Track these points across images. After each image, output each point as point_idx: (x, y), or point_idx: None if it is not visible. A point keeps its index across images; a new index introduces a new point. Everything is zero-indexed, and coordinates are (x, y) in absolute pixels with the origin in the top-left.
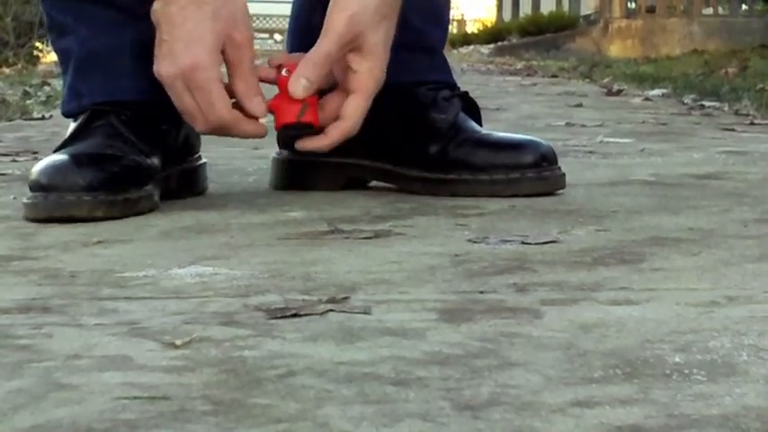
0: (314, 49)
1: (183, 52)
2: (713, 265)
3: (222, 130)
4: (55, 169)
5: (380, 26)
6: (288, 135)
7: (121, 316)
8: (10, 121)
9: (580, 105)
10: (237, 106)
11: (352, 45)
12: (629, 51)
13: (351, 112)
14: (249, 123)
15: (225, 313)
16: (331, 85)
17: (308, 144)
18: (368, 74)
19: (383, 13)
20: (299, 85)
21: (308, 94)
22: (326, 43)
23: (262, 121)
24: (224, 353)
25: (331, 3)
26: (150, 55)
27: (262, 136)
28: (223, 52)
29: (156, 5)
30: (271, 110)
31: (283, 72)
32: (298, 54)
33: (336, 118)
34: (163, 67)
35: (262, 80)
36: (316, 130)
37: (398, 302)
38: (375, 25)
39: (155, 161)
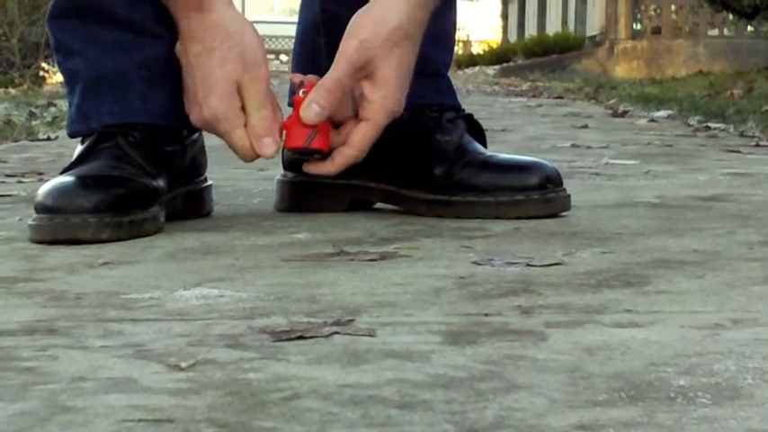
0: (326, 75)
1: (204, 103)
2: (718, 288)
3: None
4: (60, 191)
5: (393, 54)
6: (295, 157)
7: (127, 338)
8: (16, 141)
9: (585, 127)
10: None
11: (365, 72)
12: (634, 72)
13: (357, 141)
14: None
15: (230, 335)
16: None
17: (314, 168)
18: (380, 103)
19: (395, 40)
20: (311, 111)
21: (319, 120)
22: (337, 69)
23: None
24: (229, 375)
25: (347, 29)
26: (156, 76)
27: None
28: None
29: (177, 46)
30: (284, 129)
31: (300, 93)
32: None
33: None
34: (191, 114)
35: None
36: (324, 155)
37: (403, 325)
38: (386, 52)
39: (161, 183)
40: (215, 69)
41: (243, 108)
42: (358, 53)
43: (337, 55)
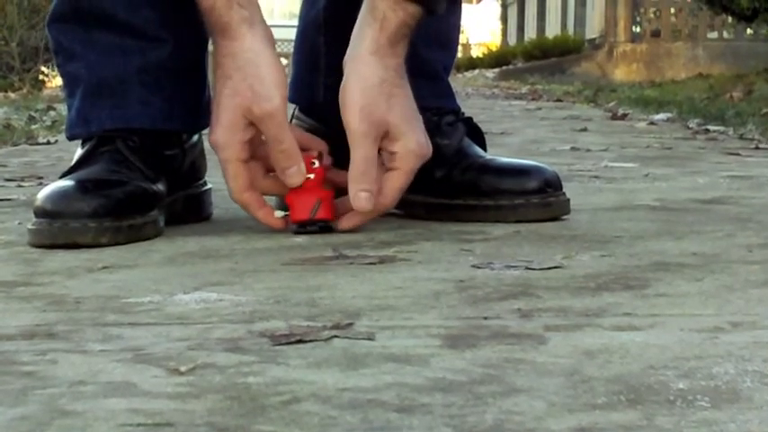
0: (352, 159)
1: (212, 127)
2: (717, 291)
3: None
4: (60, 196)
5: (392, 105)
6: (304, 230)
7: (126, 342)
8: (15, 145)
9: (585, 130)
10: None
11: (383, 135)
12: (633, 75)
13: (389, 189)
14: (261, 210)
15: (229, 339)
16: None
17: (346, 223)
18: (404, 152)
19: (388, 93)
20: (361, 200)
21: (373, 205)
22: (359, 147)
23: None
24: (228, 379)
25: (341, 108)
26: (157, 81)
27: (277, 227)
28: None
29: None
30: (287, 204)
31: (312, 164)
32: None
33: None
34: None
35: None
36: (329, 224)
37: (402, 328)
38: (387, 107)
39: (160, 187)
40: (226, 98)
41: (252, 141)
42: (367, 123)
43: (349, 136)
